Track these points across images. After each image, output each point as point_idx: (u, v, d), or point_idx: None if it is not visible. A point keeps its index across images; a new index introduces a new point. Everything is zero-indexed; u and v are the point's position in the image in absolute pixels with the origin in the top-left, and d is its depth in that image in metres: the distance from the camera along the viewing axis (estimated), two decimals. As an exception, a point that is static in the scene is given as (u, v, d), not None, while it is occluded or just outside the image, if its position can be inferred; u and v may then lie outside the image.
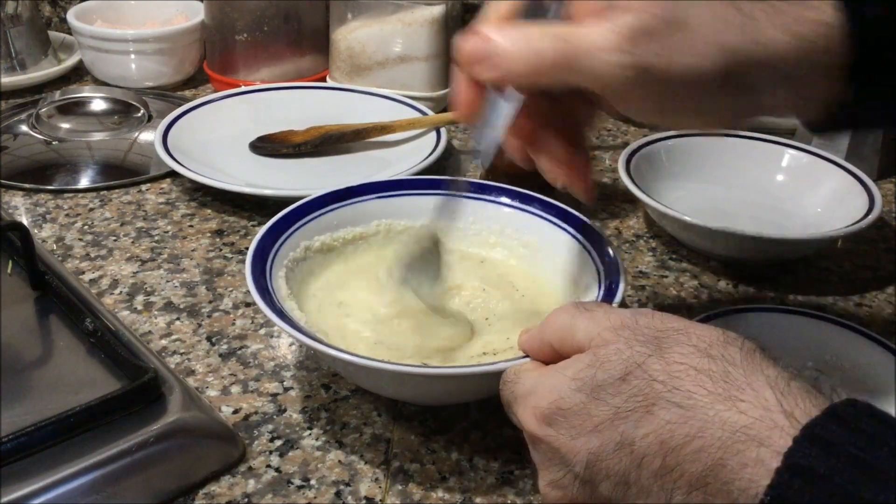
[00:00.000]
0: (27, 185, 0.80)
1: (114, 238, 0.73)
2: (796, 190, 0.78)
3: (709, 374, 0.37)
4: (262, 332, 0.62)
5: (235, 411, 0.54)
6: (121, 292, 0.66)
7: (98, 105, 0.92)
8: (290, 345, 0.60)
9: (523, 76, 0.43)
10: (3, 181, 0.80)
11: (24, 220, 0.75)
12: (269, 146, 0.85)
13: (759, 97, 0.43)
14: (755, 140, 0.80)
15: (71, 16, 1.02)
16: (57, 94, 0.92)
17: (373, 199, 0.63)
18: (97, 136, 0.88)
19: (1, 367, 0.53)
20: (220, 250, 0.71)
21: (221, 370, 0.58)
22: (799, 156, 0.79)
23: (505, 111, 0.46)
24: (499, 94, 0.46)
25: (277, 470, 0.50)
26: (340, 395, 0.56)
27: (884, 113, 0.46)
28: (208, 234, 0.73)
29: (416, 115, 0.88)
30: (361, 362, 0.47)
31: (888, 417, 0.34)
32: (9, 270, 0.62)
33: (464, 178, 0.55)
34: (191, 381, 0.57)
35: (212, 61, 1.02)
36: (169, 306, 0.64)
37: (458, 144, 0.91)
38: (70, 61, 1.05)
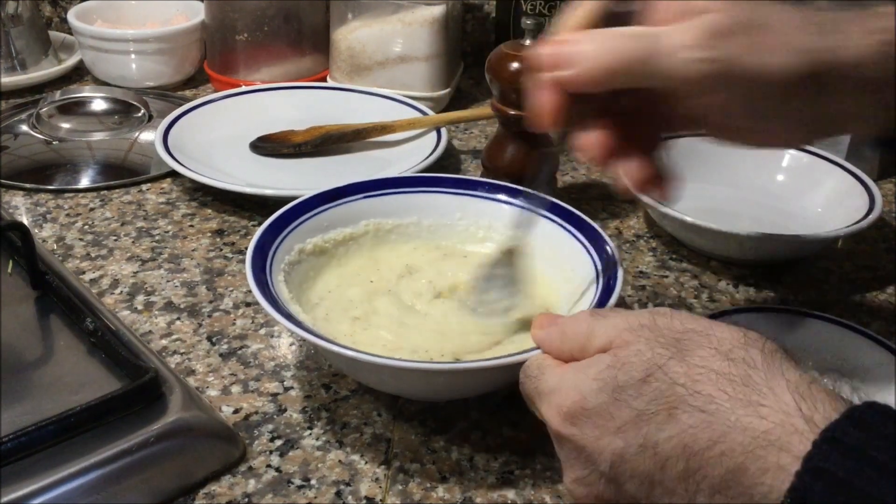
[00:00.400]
0: (27, 185, 0.80)
1: (114, 238, 0.73)
2: (796, 190, 0.78)
3: (729, 377, 0.37)
4: (263, 331, 0.62)
5: (236, 411, 0.54)
6: (121, 292, 0.66)
7: (98, 105, 0.92)
8: (291, 344, 0.60)
9: (602, 75, 0.43)
10: (3, 181, 0.80)
11: (25, 220, 0.75)
12: (270, 146, 0.85)
13: (837, 103, 0.44)
14: (755, 140, 0.80)
15: (71, 16, 1.02)
16: (57, 94, 0.92)
17: (360, 198, 0.63)
18: (97, 136, 0.88)
19: (1, 367, 0.53)
20: (221, 250, 0.71)
21: (222, 370, 0.58)
22: (799, 156, 0.79)
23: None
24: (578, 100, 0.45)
25: (278, 470, 0.50)
26: (341, 395, 0.56)
27: None
28: (209, 234, 0.73)
29: (417, 115, 0.88)
30: (366, 359, 0.47)
31: None
32: (9, 270, 0.62)
33: (542, 195, 0.55)
34: (191, 381, 0.57)
35: (212, 61, 1.02)
36: (169, 306, 0.64)
37: (459, 144, 0.91)
38: (70, 61, 1.05)
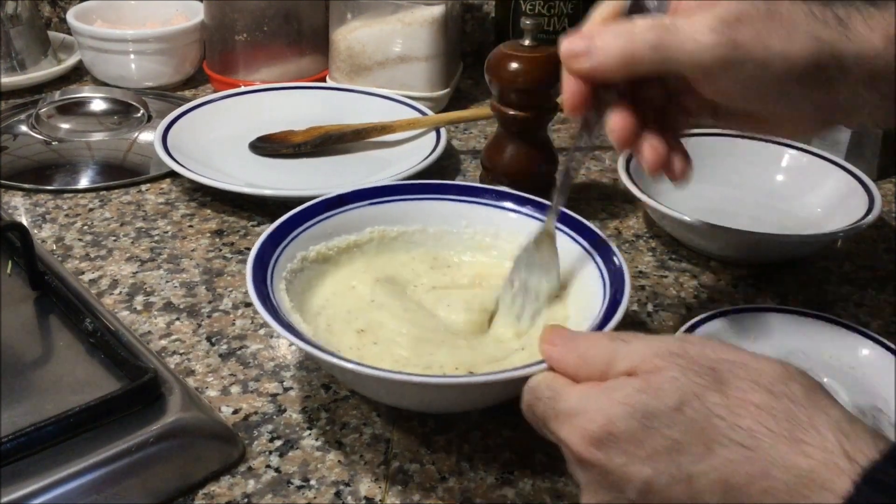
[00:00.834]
0: (27, 186, 0.80)
1: (113, 238, 0.73)
2: (796, 190, 0.78)
3: (771, 412, 0.36)
4: (262, 332, 0.62)
5: (235, 411, 0.54)
6: (120, 292, 0.66)
7: (98, 105, 0.92)
8: (290, 345, 0.60)
9: (619, 65, 0.46)
10: (2, 181, 0.80)
11: (24, 221, 0.75)
12: (269, 146, 0.85)
13: (843, 93, 0.45)
14: (755, 140, 0.80)
15: (71, 16, 1.02)
16: (57, 95, 0.92)
17: (365, 205, 0.62)
18: (97, 137, 0.88)
19: (1, 367, 0.53)
20: (220, 250, 0.71)
21: (221, 370, 0.58)
22: (799, 156, 0.79)
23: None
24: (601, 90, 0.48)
25: (277, 470, 0.50)
26: (340, 396, 0.56)
27: None
28: (208, 235, 0.73)
29: (416, 115, 0.88)
30: (372, 372, 0.46)
31: None
32: (8, 271, 0.62)
33: (559, 207, 0.57)
34: (190, 382, 0.57)
35: (212, 61, 1.02)
36: (169, 306, 0.64)
37: (458, 144, 0.91)
38: (70, 61, 1.05)
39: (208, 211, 0.77)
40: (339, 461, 0.51)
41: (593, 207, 0.80)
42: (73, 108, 0.91)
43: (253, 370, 0.58)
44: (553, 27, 0.99)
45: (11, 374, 0.53)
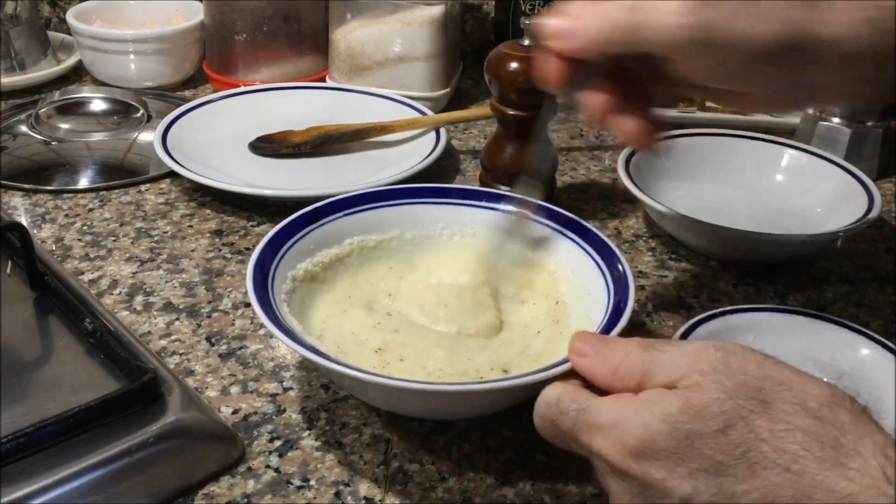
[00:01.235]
0: (26, 186, 0.80)
1: (113, 238, 0.73)
2: (796, 190, 0.78)
3: (817, 437, 0.36)
4: (262, 332, 0.62)
5: (235, 412, 0.54)
6: (120, 293, 0.66)
7: (97, 105, 0.91)
8: (290, 345, 0.60)
9: (596, 44, 0.47)
10: (2, 181, 0.80)
11: (24, 221, 0.75)
12: (269, 146, 0.85)
13: (817, 73, 0.45)
14: (755, 140, 0.80)
15: (70, 16, 1.02)
16: (56, 95, 0.92)
17: (341, 216, 0.61)
18: (96, 137, 0.88)
19: (1, 367, 0.53)
20: (220, 250, 0.71)
21: (221, 370, 0.58)
22: (798, 156, 0.79)
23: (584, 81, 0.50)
24: (580, 67, 0.49)
25: (277, 470, 0.50)
26: (340, 396, 0.56)
27: None
28: (208, 235, 0.73)
29: (416, 115, 0.88)
30: (377, 380, 0.46)
31: None
32: (8, 271, 0.62)
33: (528, 198, 0.59)
34: (190, 382, 0.57)
35: (211, 61, 1.02)
36: (168, 306, 0.64)
37: (458, 144, 0.91)
38: (69, 61, 1.05)
39: (208, 211, 0.77)
40: (338, 461, 0.51)
41: (593, 207, 0.80)
42: (72, 109, 0.91)
43: (252, 370, 0.58)
44: (553, 27, 0.99)
45: (11, 374, 0.53)
